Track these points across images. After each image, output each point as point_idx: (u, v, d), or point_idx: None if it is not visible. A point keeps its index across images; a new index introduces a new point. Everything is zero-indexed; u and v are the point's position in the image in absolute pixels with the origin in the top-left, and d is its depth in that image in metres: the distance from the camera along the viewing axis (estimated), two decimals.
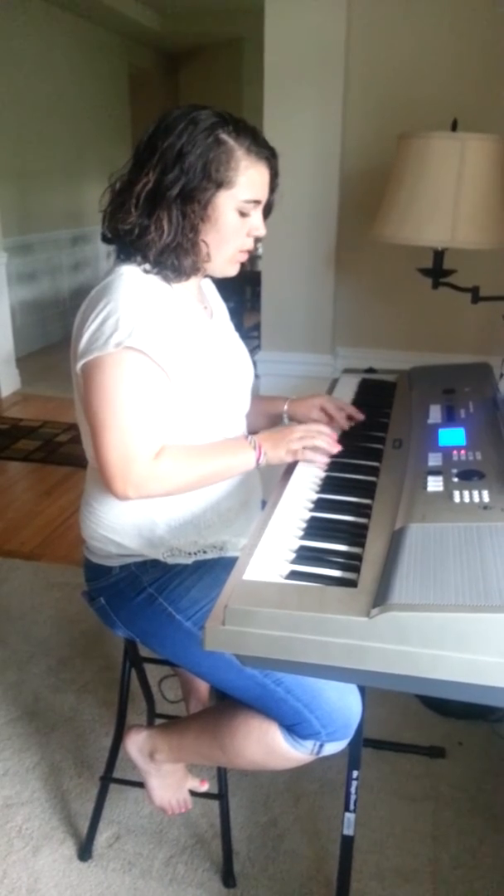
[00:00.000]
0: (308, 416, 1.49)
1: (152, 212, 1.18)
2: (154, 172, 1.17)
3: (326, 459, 1.32)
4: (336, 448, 1.32)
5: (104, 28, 6.37)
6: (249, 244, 1.29)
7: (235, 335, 1.45)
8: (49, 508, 3.22)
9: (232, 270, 1.32)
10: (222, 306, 1.46)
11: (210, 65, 7.52)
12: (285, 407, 1.52)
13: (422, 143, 1.76)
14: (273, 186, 1.28)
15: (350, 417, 1.49)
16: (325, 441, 1.31)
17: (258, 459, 1.28)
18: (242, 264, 1.33)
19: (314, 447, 1.31)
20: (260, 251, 2.51)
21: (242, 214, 1.24)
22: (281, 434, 1.33)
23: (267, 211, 1.31)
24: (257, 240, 1.30)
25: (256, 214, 1.26)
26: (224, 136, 1.18)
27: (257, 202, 1.24)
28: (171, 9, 6.29)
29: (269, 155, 1.24)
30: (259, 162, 1.22)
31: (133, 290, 1.18)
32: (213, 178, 1.18)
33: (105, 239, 1.27)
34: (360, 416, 1.49)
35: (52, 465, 3.68)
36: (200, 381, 1.25)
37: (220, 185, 1.19)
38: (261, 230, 1.27)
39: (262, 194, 1.25)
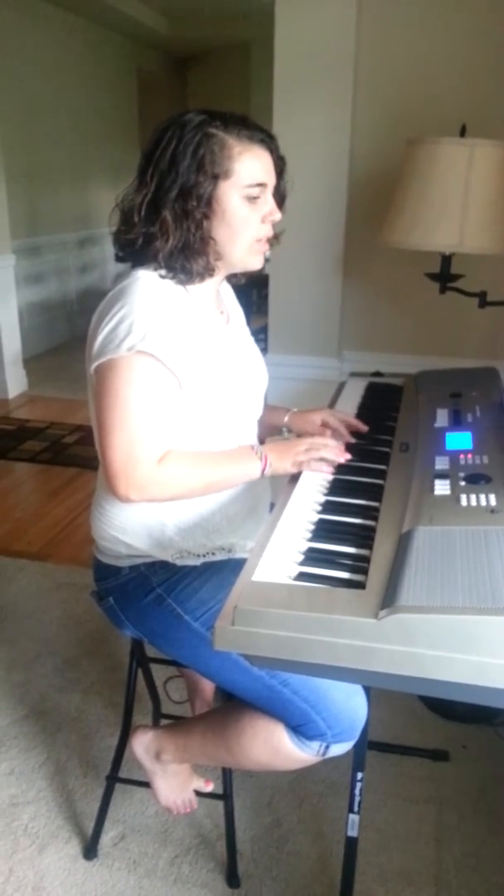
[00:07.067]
0: (307, 430, 1.48)
1: (155, 218, 1.19)
2: (153, 182, 1.19)
3: (331, 469, 1.32)
4: (344, 457, 1.32)
5: (112, 31, 6.40)
6: (266, 231, 1.27)
7: (251, 340, 1.45)
8: (56, 509, 3.24)
9: (255, 262, 1.30)
10: (239, 312, 1.46)
11: (218, 68, 7.53)
12: (286, 419, 1.52)
13: (430, 148, 1.76)
14: (279, 170, 1.27)
15: (352, 428, 1.48)
16: (332, 453, 1.32)
17: (263, 470, 1.28)
18: None
19: (320, 459, 1.31)
20: (268, 254, 2.52)
21: (251, 201, 1.22)
22: (288, 446, 1.33)
23: (281, 199, 1.29)
24: (276, 235, 1.30)
25: (266, 199, 1.25)
26: (213, 130, 1.18)
27: (262, 185, 1.22)
28: (179, 12, 6.31)
29: (263, 137, 1.22)
30: (254, 145, 1.21)
31: (148, 294, 1.19)
32: (209, 172, 1.17)
33: (118, 258, 1.28)
34: (364, 428, 1.48)
35: (59, 466, 3.70)
36: (213, 386, 1.25)
37: (217, 176, 1.18)
38: (276, 214, 1.26)
39: (266, 177, 1.23)
